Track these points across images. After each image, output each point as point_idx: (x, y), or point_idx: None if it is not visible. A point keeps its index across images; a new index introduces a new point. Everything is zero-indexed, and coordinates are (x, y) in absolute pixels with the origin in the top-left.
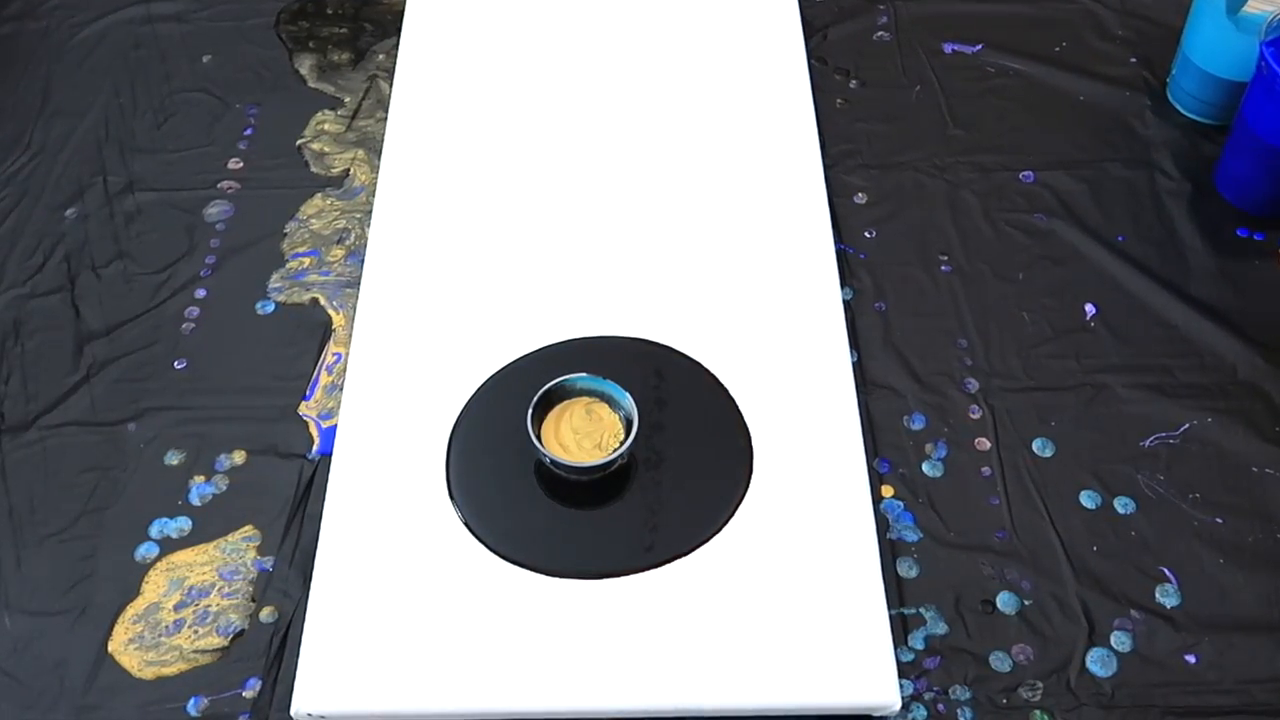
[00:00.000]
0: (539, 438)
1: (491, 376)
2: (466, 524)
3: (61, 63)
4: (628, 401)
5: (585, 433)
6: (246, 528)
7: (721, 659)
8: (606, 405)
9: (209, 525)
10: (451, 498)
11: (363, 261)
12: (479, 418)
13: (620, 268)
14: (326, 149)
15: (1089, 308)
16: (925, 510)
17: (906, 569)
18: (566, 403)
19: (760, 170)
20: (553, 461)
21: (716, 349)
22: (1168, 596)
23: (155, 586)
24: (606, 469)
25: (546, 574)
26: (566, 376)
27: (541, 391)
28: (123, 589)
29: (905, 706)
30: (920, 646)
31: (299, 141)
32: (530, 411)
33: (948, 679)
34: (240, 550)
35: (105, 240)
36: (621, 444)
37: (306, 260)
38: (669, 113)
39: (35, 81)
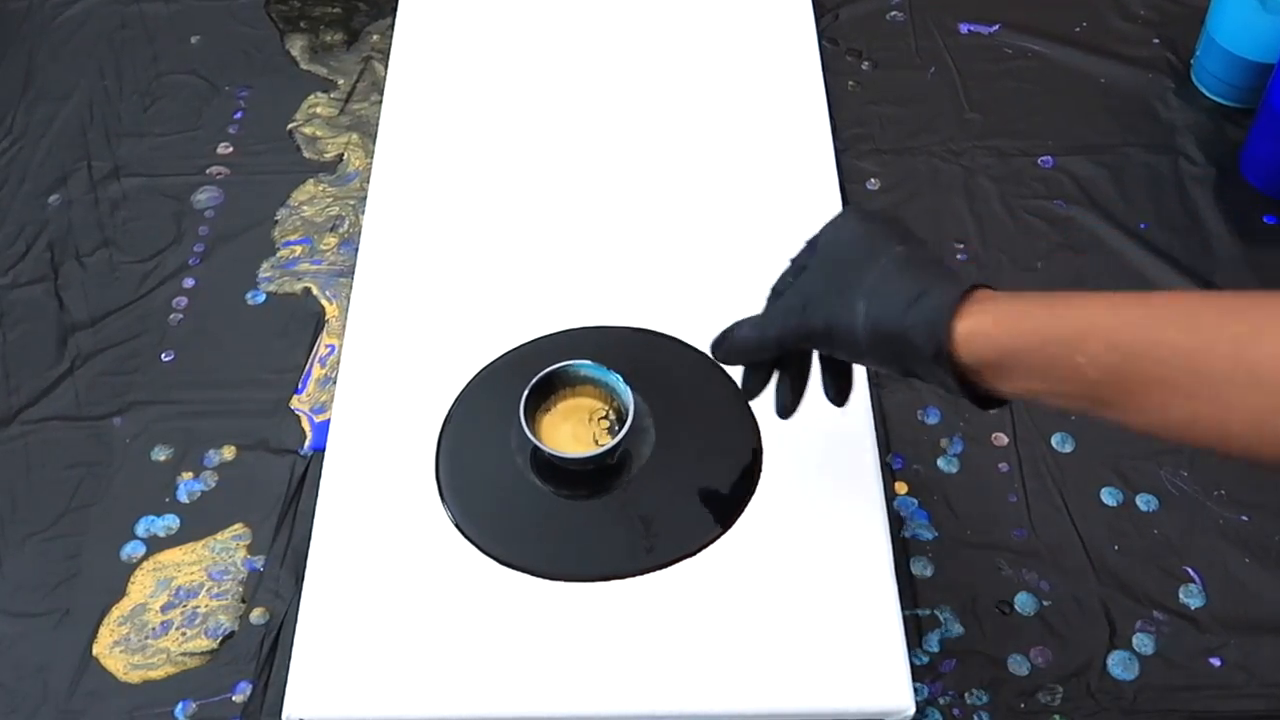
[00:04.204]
0: (533, 428)
1: (481, 371)
2: (457, 525)
3: (44, 44)
4: (625, 391)
5: (584, 424)
6: (236, 526)
7: (727, 662)
8: (607, 396)
9: (197, 523)
10: (442, 499)
11: (357, 250)
12: (470, 414)
13: (623, 256)
14: (319, 133)
15: None
16: (940, 508)
17: (921, 568)
18: (566, 391)
19: (769, 155)
20: (545, 453)
21: None
22: (1192, 597)
23: (142, 587)
24: (599, 462)
25: (545, 576)
26: (569, 362)
27: (539, 377)
28: (108, 589)
29: (920, 711)
30: (935, 649)
31: (290, 125)
32: (525, 398)
33: (964, 682)
34: (230, 549)
35: (90, 228)
36: (614, 437)
37: (298, 249)
38: (674, 96)
39: (17, 64)
